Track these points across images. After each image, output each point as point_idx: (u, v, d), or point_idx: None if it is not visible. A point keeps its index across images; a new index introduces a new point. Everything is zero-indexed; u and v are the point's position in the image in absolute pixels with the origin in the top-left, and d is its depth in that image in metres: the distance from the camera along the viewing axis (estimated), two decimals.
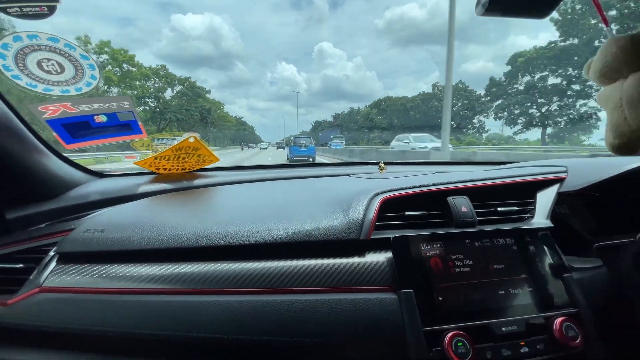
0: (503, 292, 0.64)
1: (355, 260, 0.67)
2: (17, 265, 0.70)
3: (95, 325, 0.60)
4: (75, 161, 0.98)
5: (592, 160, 0.90)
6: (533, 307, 0.63)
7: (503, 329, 0.59)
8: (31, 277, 0.67)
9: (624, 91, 0.53)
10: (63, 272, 0.66)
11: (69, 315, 0.61)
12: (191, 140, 1.04)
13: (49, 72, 0.71)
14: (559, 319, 0.61)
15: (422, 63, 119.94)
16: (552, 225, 0.75)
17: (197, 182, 1.08)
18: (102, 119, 0.85)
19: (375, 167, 1.34)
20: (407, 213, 0.75)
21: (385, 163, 1.32)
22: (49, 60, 0.70)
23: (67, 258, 0.69)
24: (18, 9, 0.56)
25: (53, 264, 0.68)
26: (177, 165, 1.13)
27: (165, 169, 1.11)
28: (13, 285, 0.66)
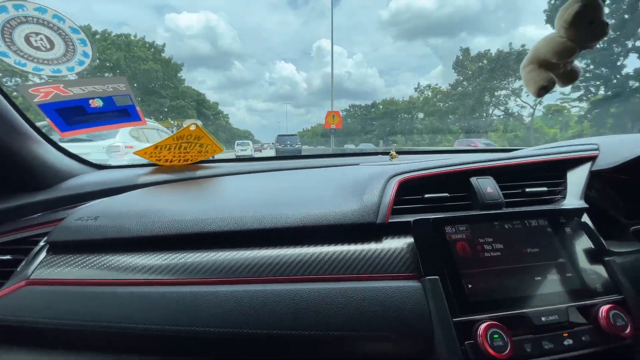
0: (539, 277, 0.57)
1: (372, 246, 0.61)
2: (4, 257, 0.65)
3: (87, 320, 0.54)
4: (72, 151, 0.93)
5: (624, 136, 0.83)
6: (574, 294, 0.57)
7: (543, 318, 0.53)
8: (18, 269, 0.62)
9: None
10: (53, 263, 0.61)
11: (58, 309, 0.56)
12: (192, 127, 0.99)
13: (37, 48, 0.66)
14: (605, 307, 0.54)
15: (424, 59, 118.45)
16: (587, 205, 0.68)
17: (200, 172, 1.03)
18: (97, 103, 0.80)
19: (386, 157, 1.28)
20: (426, 195, 0.69)
21: (397, 152, 1.25)
22: (37, 34, 0.65)
23: (58, 248, 0.63)
24: None
25: (42, 255, 0.63)
26: (179, 156, 1.07)
27: (166, 160, 1.06)
28: (0, 278, 0.61)
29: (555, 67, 0.75)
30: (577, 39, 0.69)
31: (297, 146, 20.03)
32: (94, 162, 1.03)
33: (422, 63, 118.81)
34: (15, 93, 0.78)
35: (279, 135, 21.82)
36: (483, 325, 0.50)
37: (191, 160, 1.12)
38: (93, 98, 0.78)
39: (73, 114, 0.80)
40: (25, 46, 0.64)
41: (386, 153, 1.32)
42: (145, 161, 1.09)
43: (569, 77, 0.77)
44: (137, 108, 0.88)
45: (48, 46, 0.67)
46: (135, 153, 1.00)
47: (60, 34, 0.67)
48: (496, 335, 0.49)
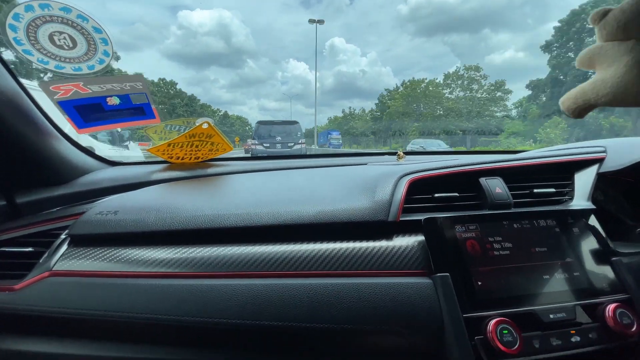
0: (547, 276, 0.59)
1: (384, 243, 0.62)
2: (26, 249, 0.66)
3: (108, 310, 0.56)
4: (87, 147, 0.96)
5: (631, 139, 0.84)
6: (581, 293, 0.58)
7: (551, 316, 0.54)
8: (41, 261, 0.63)
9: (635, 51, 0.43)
10: (74, 255, 0.63)
11: (80, 299, 0.58)
12: (205, 126, 1.00)
13: (60, 47, 0.68)
14: (612, 306, 0.55)
15: (440, 58, 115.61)
16: (594, 207, 0.69)
17: (211, 170, 1.05)
18: (114, 101, 0.82)
19: (393, 158, 1.29)
20: (436, 195, 0.70)
21: (405, 153, 1.27)
22: (60, 33, 0.67)
23: (79, 241, 0.65)
24: None
25: (64, 248, 0.65)
26: (190, 154, 1.09)
27: (178, 158, 1.08)
28: (22, 269, 0.63)
29: None
30: None
31: (297, 147, 11.12)
32: (108, 158, 1.05)
33: (438, 62, 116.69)
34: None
35: (259, 124, 11.66)
36: (493, 321, 0.51)
37: (202, 158, 1.14)
38: (111, 96, 0.80)
39: (91, 112, 0.82)
40: (49, 44, 0.66)
41: (393, 153, 1.33)
42: (157, 158, 1.11)
43: None
44: (152, 106, 0.90)
45: (71, 45, 0.69)
46: (149, 150, 1.02)
47: (83, 33, 0.69)
48: (505, 331, 0.51)
